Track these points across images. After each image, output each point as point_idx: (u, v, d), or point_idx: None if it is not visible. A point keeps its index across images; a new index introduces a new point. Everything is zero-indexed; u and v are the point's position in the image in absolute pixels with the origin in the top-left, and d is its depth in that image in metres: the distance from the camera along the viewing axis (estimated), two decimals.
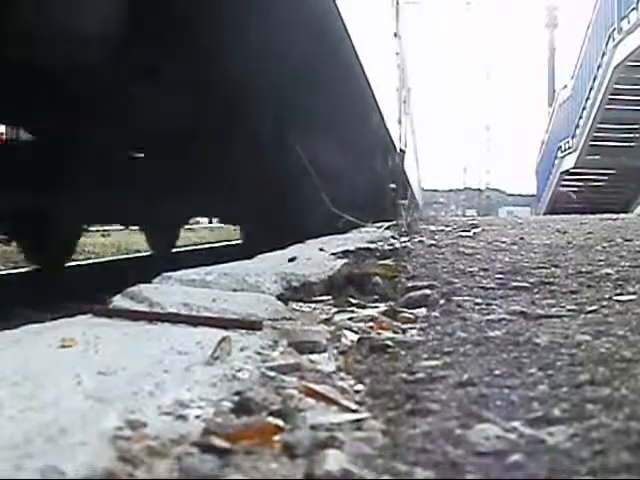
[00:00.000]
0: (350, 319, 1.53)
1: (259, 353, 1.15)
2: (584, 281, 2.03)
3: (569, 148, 15.73)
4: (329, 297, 1.86)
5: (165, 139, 4.73)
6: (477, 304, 1.67)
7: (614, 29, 12.33)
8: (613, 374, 1.00)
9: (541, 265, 2.43)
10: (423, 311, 1.61)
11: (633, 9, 11.45)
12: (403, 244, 3.57)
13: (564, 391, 0.93)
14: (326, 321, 1.51)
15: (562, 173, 16.64)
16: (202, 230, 17.56)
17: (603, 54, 13.01)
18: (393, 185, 7.45)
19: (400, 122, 10.25)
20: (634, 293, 1.77)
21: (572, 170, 15.90)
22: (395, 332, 1.40)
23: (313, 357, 1.17)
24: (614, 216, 6.68)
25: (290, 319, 1.51)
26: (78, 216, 5.26)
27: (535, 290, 1.89)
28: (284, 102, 5.24)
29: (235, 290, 1.79)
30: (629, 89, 13.24)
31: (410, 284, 1.99)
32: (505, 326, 1.39)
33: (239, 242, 9.88)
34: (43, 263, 5.82)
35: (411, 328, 1.43)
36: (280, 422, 0.82)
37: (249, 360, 1.10)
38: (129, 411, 0.80)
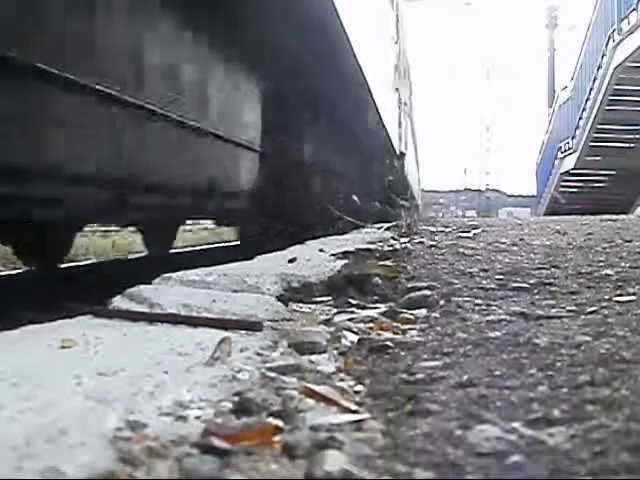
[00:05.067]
0: (350, 320, 1.53)
1: (259, 354, 1.15)
2: (584, 282, 2.03)
3: (569, 149, 15.73)
4: (329, 298, 1.86)
5: None
6: (477, 305, 1.67)
7: (614, 30, 12.32)
8: (613, 375, 1.00)
9: (541, 266, 2.43)
10: (423, 312, 1.61)
11: (633, 10, 11.45)
12: (403, 245, 3.57)
13: (564, 392, 0.93)
14: (326, 322, 1.51)
15: (562, 174, 16.63)
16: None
17: (603, 55, 13.01)
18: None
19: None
20: (634, 294, 1.77)
21: (572, 171, 15.89)
22: (395, 333, 1.40)
23: (313, 358, 1.17)
24: (614, 217, 6.69)
25: (290, 320, 1.51)
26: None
27: (535, 291, 1.89)
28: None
29: (235, 291, 1.80)
30: (629, 90, 13.24)
31: (410, 285, 1.99)
32: (505, 327, 1.39)
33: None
34: None
35: (411, 329, 1.43)
36: (280, 423, 0.82)
37: (249, 361, 1.10)
38: (129, 412, 0.80)
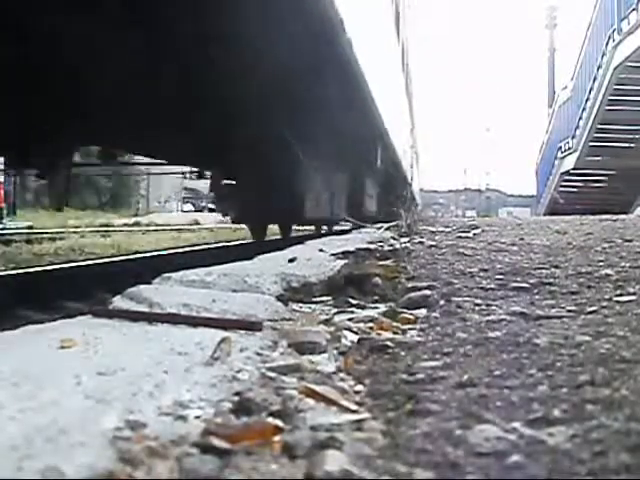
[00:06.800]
0: (350, 320, 1.53)
1: (259, 354, 1.15)
2: (584, 282, 2.03)
3: (569, 149, 15.74)
4: (329, 298, 1.86)
5: None
6: (477, 305, 1.67)
7: (614, 30, 12.33)
8: (613, 375, 1.00)
9: (541, 266, 2.43)
10: (423, 312, 1.61)
11: (633, 10, 11.46)
12: (403, 245, 3.57)
13: (564, 392, 0.93)
14: (326, 322, 1.50)
15: (562, 174, 16.64)
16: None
17: (603, 55, 13.02)
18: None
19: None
20: (634, 294, 1.77)
21: (572, 171, 15.90)
22: (395, 333, 1.40)
23: (313, 358, 1.17)
24: (614, 217, 6.69)
25: (290, 320, 1.51)
26: None
27: (535, 291, 1.89)
28: None
29: (235, 291, 1.79)
30: (629, 90, 13.25)
31: (410, 285, 1.99)
32: (505, 327, 1.39)
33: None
34: None
35: (411, 329, 1.43)
36: (280, 423, 0.82)
37: (249, 361, 1.10)
38: (129, 411, 0.80)
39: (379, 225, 5.94)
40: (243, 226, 9.63)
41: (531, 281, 2.04)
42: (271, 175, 6.11)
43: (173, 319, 1.35)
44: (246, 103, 4.57)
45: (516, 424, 0.80)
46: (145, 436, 0.74)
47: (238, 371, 1.02)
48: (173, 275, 1.94)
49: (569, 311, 1.56)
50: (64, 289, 4.66)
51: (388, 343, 1.26)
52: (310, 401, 0.91)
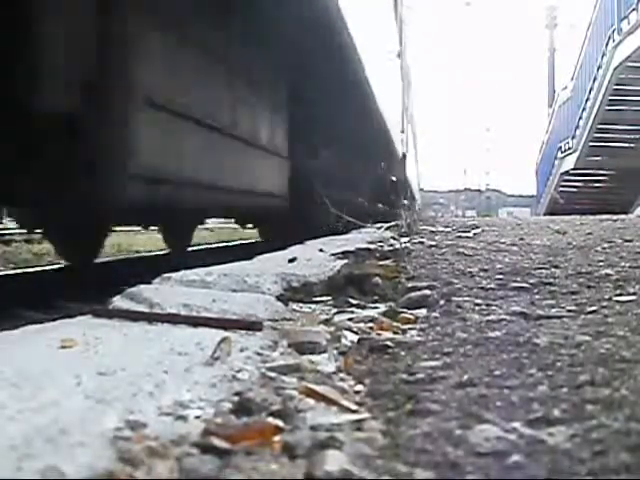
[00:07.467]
0: (350, 320, 1.53)
1: (259, 354, 1.15)
2: (584, 282, 2.03)
3: (569, 149, 15.73)
4: (329, 298, 1.86)
5: None
6: (477, 305, 1.67)
7: (614, 30, 12.33)
8: (613, 375, 1.00)
9: (541, 266, 2.43)
10: (423, 312, 1.61)
11: (633, 10, 11.46)
12: (403, 245, 3.57)
13: (564, 392, 0.93)
14: (326, 322, 1.51)
15: (562, 174, 16.63)
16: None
17: (603, 55, 13.02)
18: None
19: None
20: (634, 294, 1.77)
21: (572, 171, 15.89)
22: (395, 333, 1.40)
23: (313, 358, 1.17)
24: (614, 217, 6.69)
25: (290, 320, 1.51)
26: None
27: (535, 291, 1.89)
28: None
29: (235, 291, 1.79)
30: (629, 90, 13.24)
31: (410, 285, 1.99)
32: (505, 327, 1.39)
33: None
34: None
35: (411, 329, 1.43)
36: (280, 423, 0.82)
37: (249, 361, 1.10)
38: (129, 412, 0.80)
39: (379, 225, 5.94)
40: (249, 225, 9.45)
41: (531, 281, 2.04)
42: None
43: (173, 319, 1.35)
44: None
45: (516, 424, 0.80)
46: (145, 436, 0.74)
47: (238, 371, 1.02)
48: (173, 275, 1.94)
49: (569, 311, 1.56)
50: (64, 289, 4.66)
51: (388, 343, 1.26)
52: (310, 401, 0.91)
